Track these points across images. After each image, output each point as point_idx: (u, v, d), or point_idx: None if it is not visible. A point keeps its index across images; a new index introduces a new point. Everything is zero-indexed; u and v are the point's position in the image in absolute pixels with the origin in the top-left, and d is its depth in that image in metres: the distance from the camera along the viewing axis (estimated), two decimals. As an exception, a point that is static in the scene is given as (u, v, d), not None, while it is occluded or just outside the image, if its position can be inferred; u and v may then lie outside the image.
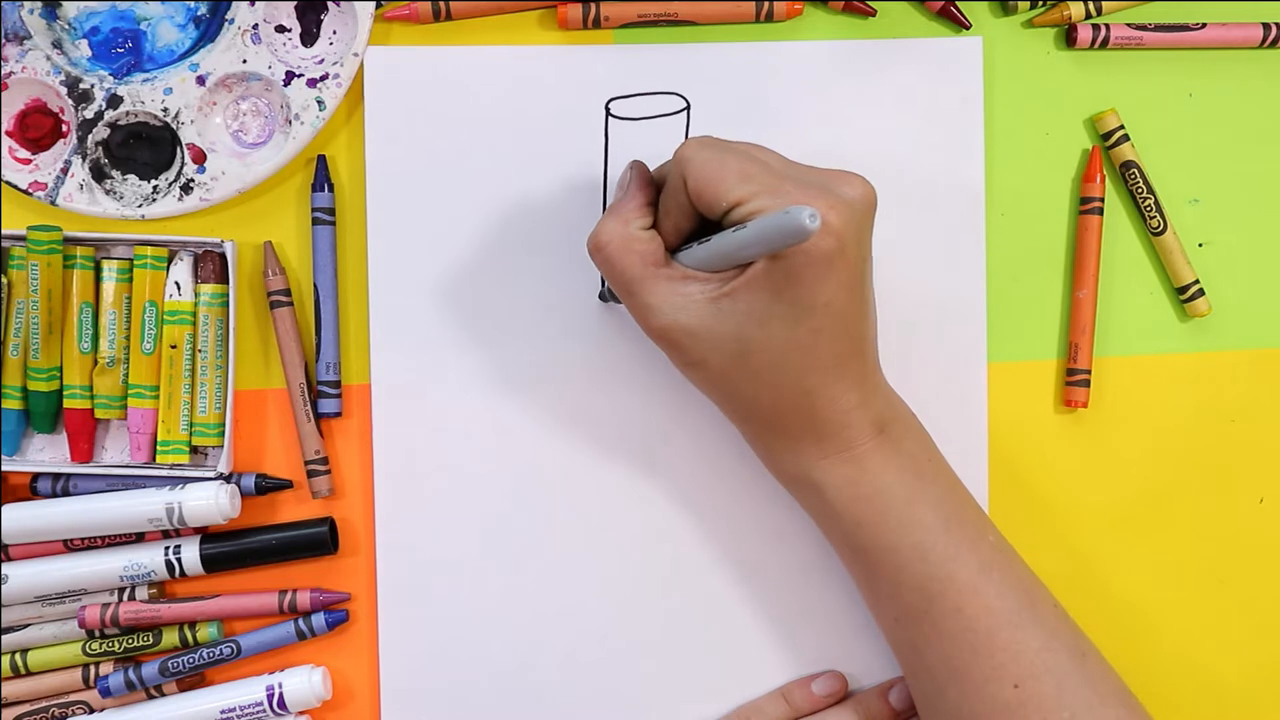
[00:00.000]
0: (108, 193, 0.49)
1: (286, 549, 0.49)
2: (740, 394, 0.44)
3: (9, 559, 0.48)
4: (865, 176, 0.42)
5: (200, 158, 0.49)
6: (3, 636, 0.48)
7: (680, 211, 0.43)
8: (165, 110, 0.48)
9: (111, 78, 0.48)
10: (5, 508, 0.47)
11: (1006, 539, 0.45)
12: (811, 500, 0.45)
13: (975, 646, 0.42)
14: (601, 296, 0.50)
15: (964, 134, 0.51)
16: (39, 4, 0.48)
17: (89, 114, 0.48)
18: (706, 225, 0.43)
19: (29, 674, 0.48)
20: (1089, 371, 0.51)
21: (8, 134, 0.48)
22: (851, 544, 0.45)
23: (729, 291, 0.42)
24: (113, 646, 0.48)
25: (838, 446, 0.44)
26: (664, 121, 0.50)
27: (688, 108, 0.50)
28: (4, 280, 0.47)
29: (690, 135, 0.50)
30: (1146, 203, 0.51)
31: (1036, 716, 0.42)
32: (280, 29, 0.49)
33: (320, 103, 0.49)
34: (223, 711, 0.47)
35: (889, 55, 0.50)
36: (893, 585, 0.44)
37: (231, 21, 0.49)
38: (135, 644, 0.48)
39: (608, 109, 0.50)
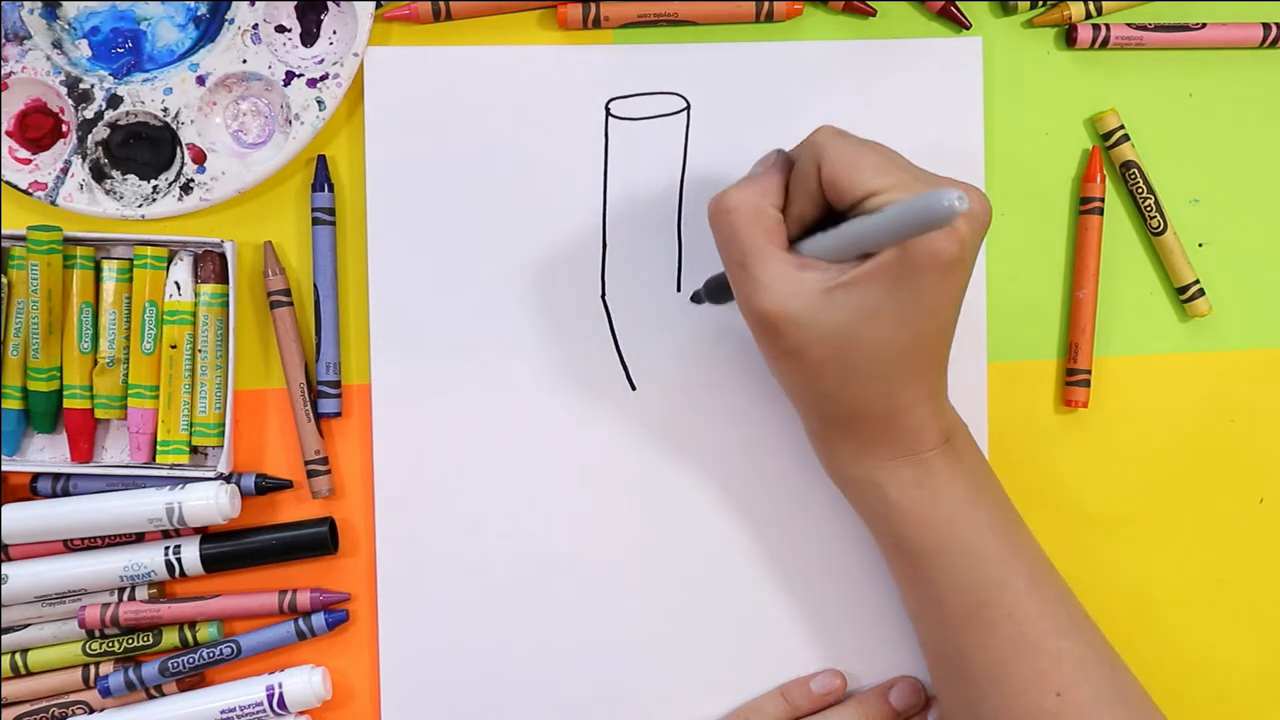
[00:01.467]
0: (108, 193, 0.49)
1: (286, 549, 0.49)
2: (825, 391, 0.43)
3: (9, 559, 0.48)
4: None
5: (200, 158, 0.49)
6: (3, 636, 0.48)
7: (808, 198, 0.42)
8: (165, 110, 0.48)
9: (111, 78, 0.48)
10: (5, 508, 0.47)
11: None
12: (870, 497, 0.45)
13: (1022, 651, 0.42)
14: (695, 297, 0.49)
15: (964, 134, 0.51)
16: (39, 4, 0.48)
17: (89, 114, 0.48)
18: (826, 220, 0.42)
19: (29, 674, 0.48)
20: (1089, 371, 0.51)
21: (8, 134, 0.48)
22: (905, 544, 0.44)
23: (846, 282, 0.40)
24: (113, 646, 0.48)
25: (906, 450, 0.43)
26: (664, 121, 0.50)
27: (688, 108, 0.50)
28: (4, 280, 0.47)
29: (691, 136, 0.50)
30: (1146, 203, 0.51)
31: None
32: (280, 29, 0.49)
33: (320, 103, 0.48)
34: (223, 711, 0.47)
35: (889, 55, 0.50)
36: (943, 587, 0.44)
37: (231, 21, 0.49)
38: (135, 644, 0.48)
39: (608, 109, 0.50)
